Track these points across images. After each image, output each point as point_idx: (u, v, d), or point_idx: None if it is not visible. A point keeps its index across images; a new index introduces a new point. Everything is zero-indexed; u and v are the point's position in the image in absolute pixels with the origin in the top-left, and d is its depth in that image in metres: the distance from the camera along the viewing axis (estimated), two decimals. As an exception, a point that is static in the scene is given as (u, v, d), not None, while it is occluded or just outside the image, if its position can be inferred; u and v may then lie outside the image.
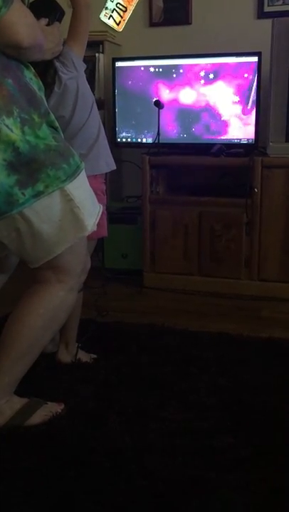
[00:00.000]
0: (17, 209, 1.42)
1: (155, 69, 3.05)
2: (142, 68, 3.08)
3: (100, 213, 1.61)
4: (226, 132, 2.99)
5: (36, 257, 1.54)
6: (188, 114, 3.03)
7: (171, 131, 3.08)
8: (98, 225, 1.93)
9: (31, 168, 1.41)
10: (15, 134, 1.39)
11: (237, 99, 2.93)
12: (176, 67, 3.01)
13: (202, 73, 2.96)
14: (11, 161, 1.39)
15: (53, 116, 1.52)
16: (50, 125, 1.50)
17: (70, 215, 1.49)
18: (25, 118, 1.42)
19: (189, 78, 2.99)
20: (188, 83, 2.99)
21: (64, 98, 1.82)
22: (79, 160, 1.54)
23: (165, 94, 3.04)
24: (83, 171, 1.54)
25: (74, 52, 1.81)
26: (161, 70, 3.04)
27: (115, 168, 2.04)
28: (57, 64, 1.79)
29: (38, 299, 1.59)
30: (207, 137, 3.02)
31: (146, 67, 3.07)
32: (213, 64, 2.95)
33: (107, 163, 1.98)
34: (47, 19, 1.67)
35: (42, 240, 1.49)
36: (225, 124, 2.99)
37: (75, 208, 1.49)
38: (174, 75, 3.01)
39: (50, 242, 1.50)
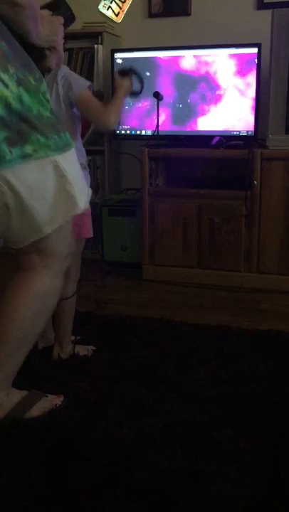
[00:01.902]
0: (2, 166, 1.35)
1: (154, 60, 3.03)
2: (141, 59, 3.06)
3: (89, 196, 1.58)
4: (223, 124, 2.98)
5: (23, 236, 1.48)
6: (187, 104, 3.03)
7: (170, 123, 3.07)
8: (83, 226, 1.94)
9: (22, 128, 1.36)
10: (9, 91, 1.34)
11: (236, 90, 2.92)
12: (175, 58, 2.99)
13: (201, 64, 2.95)
14: (2, 116, 1.34)
15: (45, 87, 1.48)
16: (44, 96, 1.45)
17: (63, 192, 1.44)
18: (22, 78, 1.38)
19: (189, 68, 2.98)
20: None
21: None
22: (70, 138, 1.50)
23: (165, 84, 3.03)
24: (73, 149, 1.50)
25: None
26: (160, 61, 3.02)
27: None
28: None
29: (25, 289, 1.54)
30: (206, 129, 3.01)
31: (146, 59, 3.05)
32: (213, 55, 2.93)
33: None
34: (51, 12, 1.66)
35: (31, 217, 1.43)
36: (224, 116, 2.97)
37: (68, 185, 1.44)
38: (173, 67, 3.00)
39: (39, 221, 1.44)
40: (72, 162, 1.49)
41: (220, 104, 2.97)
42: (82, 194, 1.50)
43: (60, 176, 1.43)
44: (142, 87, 1.88)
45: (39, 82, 1.45)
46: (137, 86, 1.86)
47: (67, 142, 1.48)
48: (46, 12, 1.63)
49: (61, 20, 1.76)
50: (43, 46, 1.71)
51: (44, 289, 1.56)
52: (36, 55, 1.73)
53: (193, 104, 3.02)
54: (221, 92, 2.96)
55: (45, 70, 1.80)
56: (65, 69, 1.82)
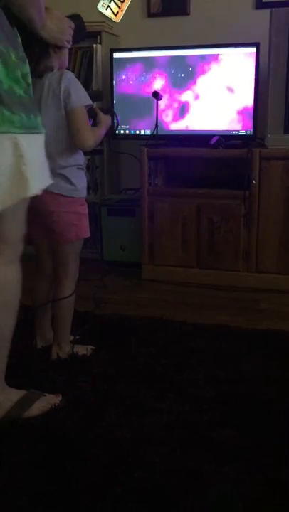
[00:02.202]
0: None
1: (153, 60, 3.03)
2: (140, 59, 3.06)
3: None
4: (223, 123, 2.98)
5: None
6: (185, 105, 3.02)
7: (169, 122, 3.07)
8: (81, 226, 1.94)
9: None
10: None
11: (235, 89, 2.92)
12: (174, 58, 2.99)
13: (200, 64, 2.95)
14: None
15: (28, 69, 1.44)
16: (23, 77, 1.42)
17: (18, 172, 1.38)
18: (2, 51, 1.34)
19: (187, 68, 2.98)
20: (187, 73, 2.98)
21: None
22: (40, 124, 1.47)
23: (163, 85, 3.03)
24: (42, 136, 1.47)
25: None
26: (159, 61, 3.02)
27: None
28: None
29: None
30: (205, 129, 3.01)
31: (145, 58, 3.05)
32: (211, 55, 2.93)
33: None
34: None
35: None
36: (222, 115, 2.97)
37: (23, 166, 1.38)
38: (172, 66, 3.00)
39: None
40: (35, 146, 1.45)
41: (218, 104, 2.97)
42: (37, 180, 1.43)
43: (18, 155, 1.38)
44: (114, 126, 2.05)
45: (21, 61, 1.41)
46: (112, 125, 2.06)
47: (36, 126, 1.44)
48: (59, 12, 1.63)
49: (71, 23, 1.77)
50: (48, 41, 1.71)
51: (0, 277, 1.50)
52: (40, 49, 1.73)
53: (190, 102, 3.01)
54: (220, 91, 2.95)
55: (46, 69, 1.80)
56: (69, 76, 1.81)
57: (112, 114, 2.06)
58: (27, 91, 1.43)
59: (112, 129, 2.03)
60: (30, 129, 1.41)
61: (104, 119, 1.96)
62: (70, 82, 1.79)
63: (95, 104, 1.92)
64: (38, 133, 1.45)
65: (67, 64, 1.88)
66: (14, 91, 1.37)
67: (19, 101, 1.38)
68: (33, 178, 1.41)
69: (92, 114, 1.93)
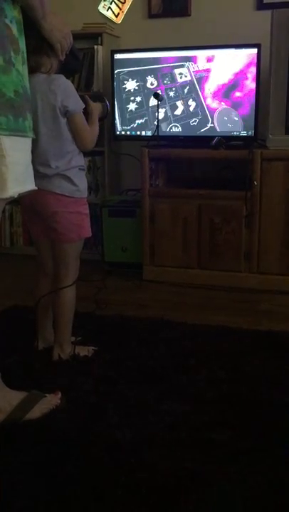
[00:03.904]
0: None
1: (154, 61, 3.04)
2: (141, 60, 3.06)
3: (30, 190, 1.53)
4: (224, 124, 2.98)
5: None
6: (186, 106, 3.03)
7: (170, 123, 3.07)
8: (83, 226, 1.94)
9: None
10: None
11: (236, 90, 2.93)
12: (175, 59, 3.00)
13: (201, 65, 2.95)
14: None
15: (23, 70, 1.44)
16: (16, 79, 1.41)
17: None
18: None
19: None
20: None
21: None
22: (29, 129, 1.47)
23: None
24: (28, 140, 1.48)
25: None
26: (160, 62, 3.03)
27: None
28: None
29: None
30: (206, 129, 3.01)
31: (146, 59, 3.06)
32: (213, 56, 2.93)
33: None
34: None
35: None
36: (223, 116, 2.98)
37: (3, 167, 1.38)
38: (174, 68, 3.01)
39: None
40: (20, 149, 1.45)
41: (219, 105, 2.97)
42: (16, 182, 1.43)
43: None
44: (106, 113, 2.06)
45: (9, 64, 1.39)
46: (104, 112, 2.03)
47: (23, 129, 1.44)
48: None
49: (71, 35, 1.77)
50: (47, 34, 1.68)
51: None
52: (36, 42, 1.71)
53: (192, 104, 3.02)
54: (221, 92, 2.96)
55: (36, 67, 1.78)
56: (61, 80, 1.81)
57: (102, 101, 2.04)
58: (19, 93, 1.43)
59: (103, 115, 2.03)
60: (17, 132, 1.42)
61: (95, 108, 1.96)
62: (64, 87, 1.80)
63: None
64: (24, 136, 1.46)
65: (56, 68, 1.86)
66: (5, 94, 1.37)
67: (8, 103, 1.38)
68: (13, 180, 1.41)
69: (98, 98, 1.96)
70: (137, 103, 3.12)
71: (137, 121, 3.14)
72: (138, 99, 3.11)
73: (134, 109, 3.14)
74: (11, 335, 2.17)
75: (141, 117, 3.13)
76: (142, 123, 3.13)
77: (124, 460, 1.41)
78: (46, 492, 1.30)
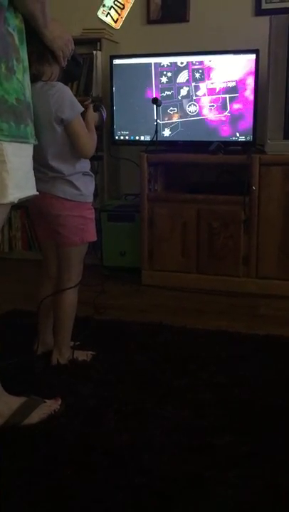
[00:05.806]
0: None
1: (153, 66, 3.05)
2: (140, 66, 3.07)
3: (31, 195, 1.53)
4: (222, 130, 2.99)
5: None
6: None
7: (169, 128, 3.08)
8: (87, 230, 1.95)
9: None
10: None
11: (235, 96, 2.94)
12: (174, 64, 3.01)
13: (199, 70, 2.96)
14: None
15: (25, 78, 1.45)
16: (18, 86, 1.42)
17: None
18: None
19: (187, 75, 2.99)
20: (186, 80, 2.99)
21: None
22: (31, 136, 1.48)
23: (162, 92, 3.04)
24: (29, 147, 1.49)
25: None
26: (158, 67, 3.04)
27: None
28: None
29: None
30: (204, 134, 3.02)
31: (144, 65, 3.07)
32: (211, 61, 2.94)
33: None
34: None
35: None
36: (221, 122, 2.99)
37: (4, 173, 1.39)
38: (172, 73, 3.01)
39: None
40: (21, 155, 1.45)
41: (218, 110, 2.98)
42: (17, 188, 1.44)
43: (0, 160, 1.38)
44: (102, 122, 2.09)
45: (11, 72, 1.40)
46: (99, 121, 2.06)
47: (25, 135, 1.45)
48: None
49: (72, 42, 1.78)
50: (49, 42, 1.69)
51: None
52: (37, 49, 1.72)
53: (190, 110, 3.03)
54: (219, 98, 2.97)
55: (37, 76, 1.79)
56: (58, 87, 1.81)
57: (98, 110, 2.05)
58: (20, 101, 1.43)
59: (98, 124, 2.05)
60: (18, 138, 1.43)
61: (91, 117, 1.97)
62: (57, 95, 1.80)
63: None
64: (25, 142, 1.47)
65: (56, 76, 1.86)
66: (7, 101, 1.38)
67: (10, 110, 1.39)
68: (14, 186, 1.42)
69: (96, 105, 1.98)
70: (136, 108, 3.12)
71: (136, 126, 3.15)
72: (137, 104, 3.12)
73: (132, 114, 3.14)
74: (9, 339, 2.17)
75: (140, 122, 3.13)
76: (140, 128, 3.14)
77: (123, 465, 1.40)
78: (45, 497, 1.30)
